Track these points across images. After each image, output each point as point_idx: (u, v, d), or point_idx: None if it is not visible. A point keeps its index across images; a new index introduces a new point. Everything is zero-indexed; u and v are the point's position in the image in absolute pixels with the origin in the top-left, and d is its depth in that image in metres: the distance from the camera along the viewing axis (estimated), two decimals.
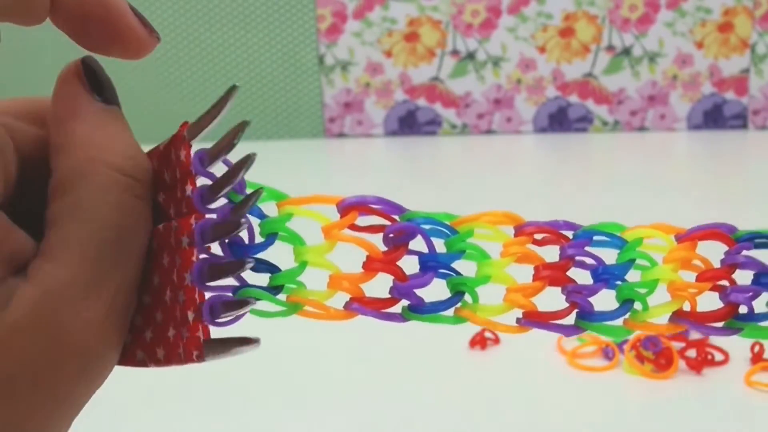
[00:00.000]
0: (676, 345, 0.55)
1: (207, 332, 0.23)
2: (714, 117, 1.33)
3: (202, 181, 0.24)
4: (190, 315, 0.23)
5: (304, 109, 1.38)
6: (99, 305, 0.21)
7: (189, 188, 0.24)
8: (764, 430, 0.47)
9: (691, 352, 0.55)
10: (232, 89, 0.24)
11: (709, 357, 0.54)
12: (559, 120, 1.34)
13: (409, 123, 1.35)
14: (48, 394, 0.20)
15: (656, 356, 0.54)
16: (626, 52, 1.32)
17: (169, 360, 0.23)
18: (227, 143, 0.24)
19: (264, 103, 1.38)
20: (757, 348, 0.54)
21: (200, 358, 0.23)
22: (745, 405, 0.50)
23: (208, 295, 0.23)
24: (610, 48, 1.33)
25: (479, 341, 0.58)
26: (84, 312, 0.20)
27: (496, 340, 0.58)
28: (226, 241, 0.23)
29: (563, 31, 1.33)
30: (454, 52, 1.35)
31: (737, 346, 0.56)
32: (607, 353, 0.55)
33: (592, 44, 1.33)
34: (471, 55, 1.35)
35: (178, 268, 0.23)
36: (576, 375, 0.54)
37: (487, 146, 1.27)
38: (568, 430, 0.48)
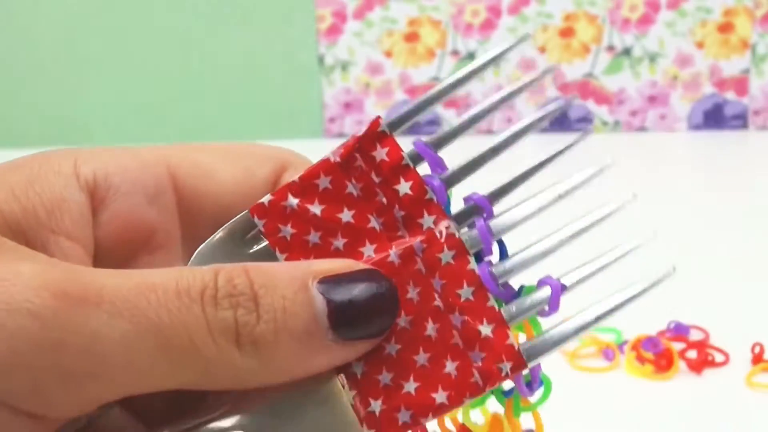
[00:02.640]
0: (677, 346, 0.55)
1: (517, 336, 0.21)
2: (714, 117, 1.33)
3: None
4: (485, 327, 0.20)
5: (304, 109, 1.38)
6: None
7: (406, 185, 0.21)
8: (764, 430, 0.47)
9: (692, 353, 0.55)
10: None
11: (710, 358, 0.54)
12: (560, 120, 1.34)
13: None
14: None
15: (656, 357, 0.54)
16: (626, 52, 1.32)
17: (457, 399, 0.20)
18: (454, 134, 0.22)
19: (264, 103, 1.38)
20: (757, 349, 0.54)
21: (520, 368, 0.20)
22: (745, 406, 0.50)
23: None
24: (610, 48, 1.33)
25: None
26: None
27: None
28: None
29: (563, 30, 1.33)
30: (454, 52, 1.35)
31: (738, 347, 0.55)
32: (607, 354, 0.55)
33: (592, 44, 1.33)
34: (471, 55, 1.34)
35: (442, 289, 0.21)
36: (576, 375, 0.54)
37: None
38: (568, 429, 0.48)
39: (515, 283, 0.22)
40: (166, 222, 0.24)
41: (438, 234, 0.21)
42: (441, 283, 0.21)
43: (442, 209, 0.21)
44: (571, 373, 0.54)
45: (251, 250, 0.22)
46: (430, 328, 0.21)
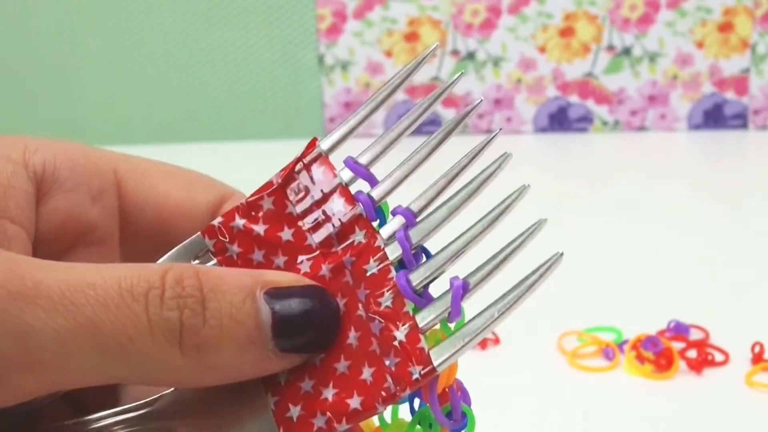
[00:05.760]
0: (677, 345, 0.55)
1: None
2: (714, 117, 1.33)
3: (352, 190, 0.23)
4: (400, 332, 0.21)
5: (304, 109, 1.38)
6: None
7: (339, 201, 0.22)
8: (764, 430, 0.47)
9: (692, 353, 0.55)
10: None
11: (710, 357, 0.54)
12: (559, 120, 1.34)
13: None
14: None
15: (656, 356, 0.54)
16: (626, 52, 1.32)
17: (370, 405, 0.21)
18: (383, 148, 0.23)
19: (264, 103, 1.38)
20: (757, 348, 0.54)
21: (430, 373, 0.21)
22: (745, 405, 0.50)
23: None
24: (610, 48, 1.33)
25: None
26: None
27: (496, 341, 0.58)
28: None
29: (563, 30, 1.33)
30: (454, 52, 1.35)
31: (738, 346, 0.55)
32: (607, 354, 0.55)
33: (592, 44, 1.33)
34: (471, 55, 1.35)
35: (366, 299, 0.21)
36: (576, 375, 0.54)
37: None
38: (568, 430, 0.48)
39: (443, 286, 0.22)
40: (106, 220, 0.25)
41: (365, 248, 0.22)
42: (365, 293, 0.21)
43: (370, 223, 0.22)
44: (570, 373, 0.54)
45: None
46: (352, 337, 0.21)
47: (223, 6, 1.36)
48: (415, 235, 0.22)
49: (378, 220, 0.23)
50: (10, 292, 0.19)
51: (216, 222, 0.23)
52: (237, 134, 1.37)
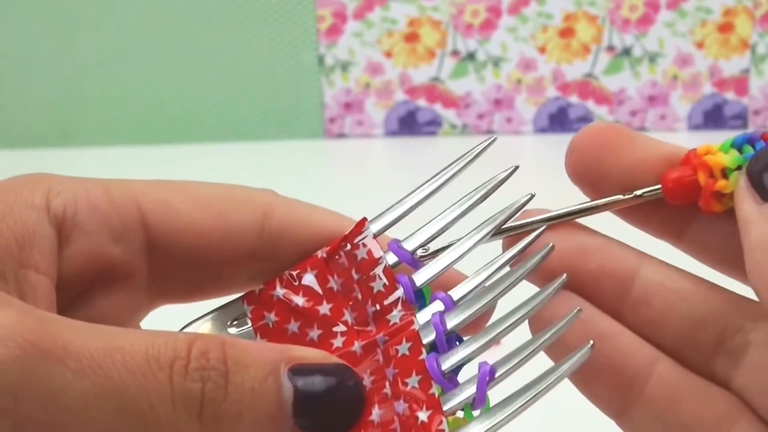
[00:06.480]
0: None
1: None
2: (714, 117, 1.33)
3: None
4: (423, 413, 0.21)
5: (304, 109, 1.38)
6: None
7: (381, 282, 0.22)
8: None
9: None
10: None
11: None
12: (560, 120, 1.35)
13: (409, 123, 1.35)
14: None
15: None
16: (626, 52, 1.33)
17: None
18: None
19: (264, 103, 1.38)
20: None
21: None
22: None
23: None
24: (610, 48, 1.33)
25: None
26: None
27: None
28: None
29: (563, 31, 1.33)
30: (454, 53, 1.35)
31: None
32: None
33: (592, 44, 1.33)
34: (471, 56, 1.35)
35: (394, 378, 0.22)
36: None
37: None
38: (568, 429, 0.48)
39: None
40: (131, 258, 0.24)
41: (400, 329, 0.22)
42: (394, 372, 0.22)
43: (409, 305, 0.22)
44: None
45: (235, 332, 0.24)
46: (375, 414, 0.21)
47: (223, 6, 1.36)
48: (450, 320, 0.23)
49: (418, 305, 0.23)
50: (41, 351, 0.19)
51: (257, 289, 0.23)
52: (237, 135, 1.37)
